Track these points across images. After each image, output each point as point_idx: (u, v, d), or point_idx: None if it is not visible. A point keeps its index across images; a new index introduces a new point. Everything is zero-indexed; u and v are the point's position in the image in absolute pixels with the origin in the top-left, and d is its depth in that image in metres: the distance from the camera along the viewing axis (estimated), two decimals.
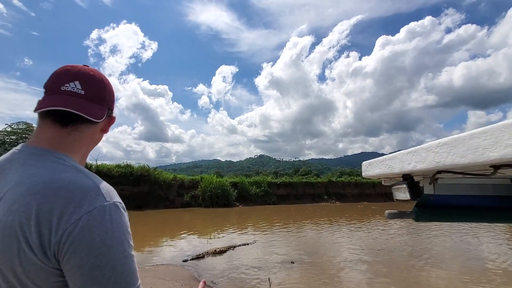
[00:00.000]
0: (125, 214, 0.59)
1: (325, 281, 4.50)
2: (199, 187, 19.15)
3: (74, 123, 0.64)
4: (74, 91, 0.64)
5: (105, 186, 0.59)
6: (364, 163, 1.08)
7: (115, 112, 0.76)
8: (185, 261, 5.61)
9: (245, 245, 7.12)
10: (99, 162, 17.19)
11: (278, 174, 43.05)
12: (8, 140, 14.87)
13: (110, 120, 0.74)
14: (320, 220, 12.64)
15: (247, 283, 4.38)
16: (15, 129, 15.66)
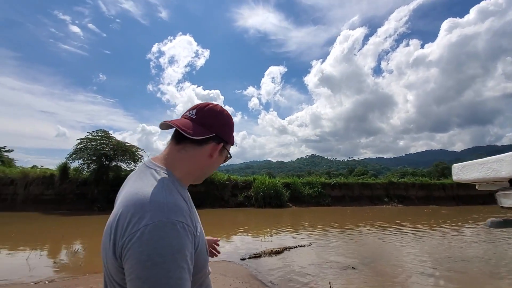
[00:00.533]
0: (183, 233, 0.60)
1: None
2: (252, 187, 19.58)
3: (183, 142, 0.76)
4: (189, 116, 0.79)
5: (171, 203, 0.63)
6: (455, 166, 0.96)
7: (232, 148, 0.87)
8: (243, 259, 5.79)
9: (301, 246, 7.01)
10: None
11: (331, 175, 41.47)
12: (89, 146, 17.24)
13: (217, 146, 0.79)
14: (380, 224, 11.74)
15: (306, 286, 4.29)
16: (94, 136, 18.20)
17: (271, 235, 8.88)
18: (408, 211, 18.23)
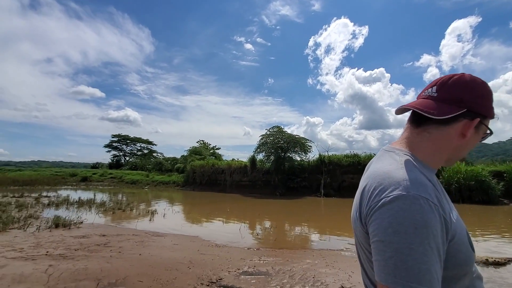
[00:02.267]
0: (428, 209, 0.56)
1: None
2: (441, 177, 15.91)
3: (424, 124, 0.71)
4: (429, 94, 0.73)
5: (412, 179, 0.61)
6: None
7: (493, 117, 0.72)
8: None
9: None
10: (330, 153, 19.20)
11: None
12: (268, 140, 20.38)
13: (472, 123, 0.68)
14: None
15: None
16: (271, 132, 21.31)
17: (480, 238, 6.77)
18: None
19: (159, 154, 47.18)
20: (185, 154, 34.15)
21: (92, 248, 4.99)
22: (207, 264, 4.32)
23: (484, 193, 14.39)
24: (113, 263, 4.09)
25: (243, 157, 26.93)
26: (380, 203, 0.59)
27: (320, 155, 18.78)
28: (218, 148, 41.43)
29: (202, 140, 40.58)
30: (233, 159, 27.21)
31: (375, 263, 0.58)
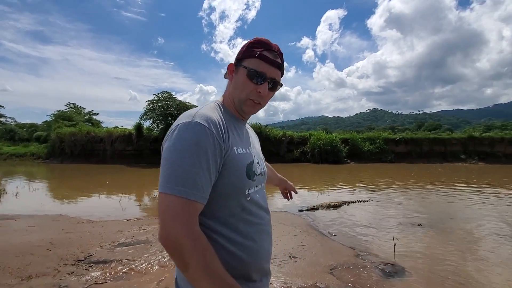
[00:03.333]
0: (202, 132, 0.70)
1: (461, 250, 3.78)
2: (308, 143, 19.35)
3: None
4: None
5: (201, 113, 0.75)
6: None
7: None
8: (301, 211, 5.94)
9: (360, 202, 6.82)
10: None
11: (395, 130, 37.92)
12: (157, 107, 18.92)
13: (231, 67, 0.88)
14: (454, 183, 10.55)
15: (366, 240, 4.21)
16: (160, 97, 19.77)
17: (328, 190, 8.84)
18: (491, 169, 15.89)
19: (9, 119, 36.23)
20: (49, 119, 27.43)
21: None
22: (73, 243, 3.81)
23: (335, 155, 18.62)
24: None
25: (129, 124, 24.05)
26: (171, 131, 0.73)
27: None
28: (96, 114, 35.34)
29: (72, 103, 33.42)
30: (115, 127, 23.95)
31: (160, 178, 0.70)
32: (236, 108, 0.87)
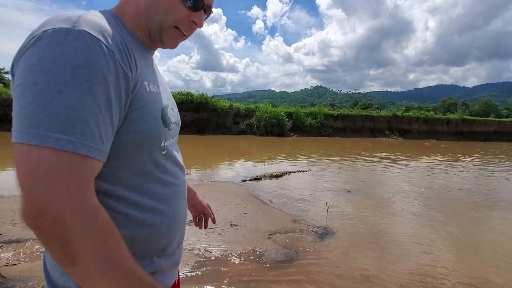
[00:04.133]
0: (96, 49, 0.45)
1: (379, 209, 4.37)
2: (254, 116, 19.51)
3: None
4: None
5: (91, 19, 0.48)
6: None
7: None
8: (244, 181, 6.02)
9: (300, 172, 7.25)
10: None
11: (334, 107, 40.92)
12: None
13: None
14: (378, 155, 12.03)
15: (304, 206, 4.52)
16: None
17: (271, 161, 9.15)
18: (408, 144, 18.54)
19: None
20: None
21: None
22: None
23: (280, 128, 19.29)
24: None
25: None
26: (33, 39, 0.44)
27: None
28: (7, 72, 29.16)
29: None
30: None
31: (13, 119, 0.43)
32: (150, 32, 0.62)
